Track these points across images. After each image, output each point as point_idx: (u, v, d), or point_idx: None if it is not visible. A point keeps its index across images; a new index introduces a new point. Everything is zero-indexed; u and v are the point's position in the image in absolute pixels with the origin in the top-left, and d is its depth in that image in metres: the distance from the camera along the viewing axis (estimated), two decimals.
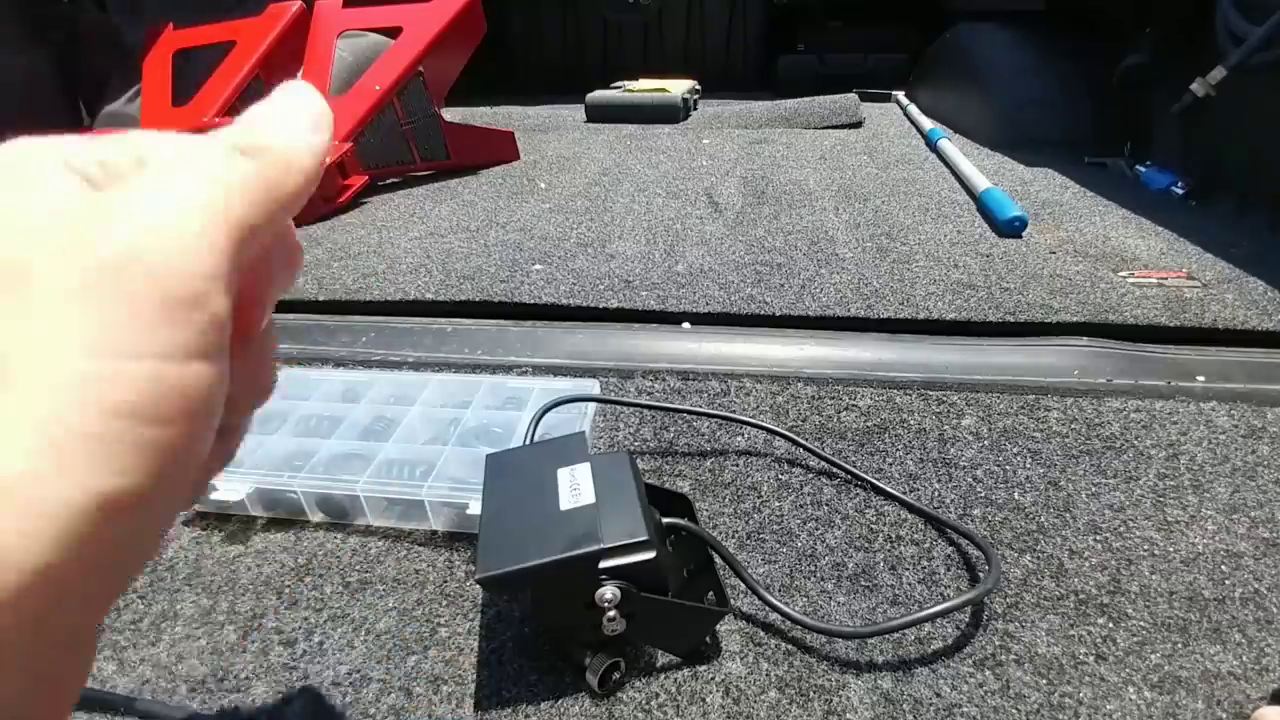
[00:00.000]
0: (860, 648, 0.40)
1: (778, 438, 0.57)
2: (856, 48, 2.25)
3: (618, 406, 0.63)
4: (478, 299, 0.82)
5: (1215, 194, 1.09)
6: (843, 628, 0.40)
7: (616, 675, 0.38)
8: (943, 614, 0.40)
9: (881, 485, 0.52)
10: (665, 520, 0.41)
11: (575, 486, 0.38)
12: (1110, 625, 0.41)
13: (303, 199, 0.18)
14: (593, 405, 0.59)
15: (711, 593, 0.41)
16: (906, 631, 0.41)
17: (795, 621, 0.40)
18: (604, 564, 0.35)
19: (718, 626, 0.41)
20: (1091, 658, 0.39)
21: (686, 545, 0.43)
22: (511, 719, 0.37)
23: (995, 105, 1.52)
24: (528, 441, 0.49)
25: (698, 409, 0.60)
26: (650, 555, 0.35)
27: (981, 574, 0.45)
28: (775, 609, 0.40)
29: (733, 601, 0.43)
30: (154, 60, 1.31)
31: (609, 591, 0.35)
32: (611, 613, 0.35)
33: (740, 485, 0.53)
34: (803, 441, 0.55)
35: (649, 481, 0.43)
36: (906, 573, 0.45)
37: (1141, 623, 0.41)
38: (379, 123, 1.23)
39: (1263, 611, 0.42)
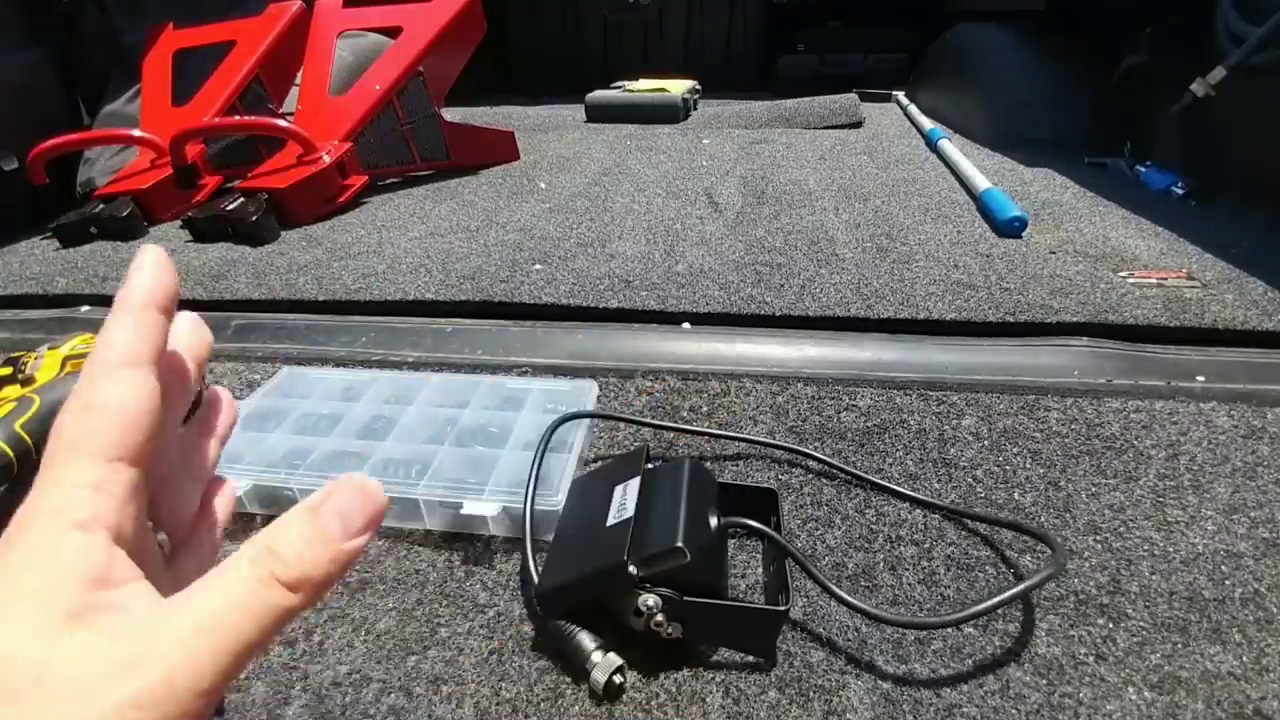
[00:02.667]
0: (899, 643, 0.40)
1: (813, 460, 0.55)
2: (856, 48, 2.25)
3: (616, 405, 0.63)
4: (478, 299, 0.82)
5: (1215, 194, 1.09)
6: (914, 618, 0.41)
7: (619, 679, 0.37)
8: (1014, 599, 0.40)
9: (935, 501, 0.50)
10: (727, 520, 0.41)
11: (623, 502, 0.40)
12: (1110, 625, 0.41)
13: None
14: (589, 408, 0.59)
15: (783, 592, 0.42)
16: (906, 631, 0.41)
17: (870, 616, 0.39)
18: (639, 572, 0.36)
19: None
20: (1091, 658, 0.39)
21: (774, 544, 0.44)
22: (511, 719, 0.37)
23: (995, 105, 1.52)
24: (538, 460, 0.49)
25: (745, 436, 0.58)
26: (682, 561, 0.36)
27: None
28: (845, 602, 0.39)
29: (794, 598, 0.42)
30: (154, 60, 1.31)
31: (650, 599, 0.36)
32: (659, 617, 0.37)
33: None
34: (848, 468, 0.54)
35: (730, 481, 0.45)
36: (906, 573, 0.45)
37: (1141, 623, 0.41)
38: (379, 123, 1.23)
39: (1263, 611, 0.42)
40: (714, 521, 0.40)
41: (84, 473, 0.18)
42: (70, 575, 0.18)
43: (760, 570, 0.46)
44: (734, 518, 0.42)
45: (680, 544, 0.36)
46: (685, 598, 0.37)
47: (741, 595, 0.44)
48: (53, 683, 0.17)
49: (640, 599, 0.36)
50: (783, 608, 0.39)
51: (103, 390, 0.19)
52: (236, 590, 0.18)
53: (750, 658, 0.40)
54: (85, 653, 0.17)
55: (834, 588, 0.39)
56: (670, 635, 0.38)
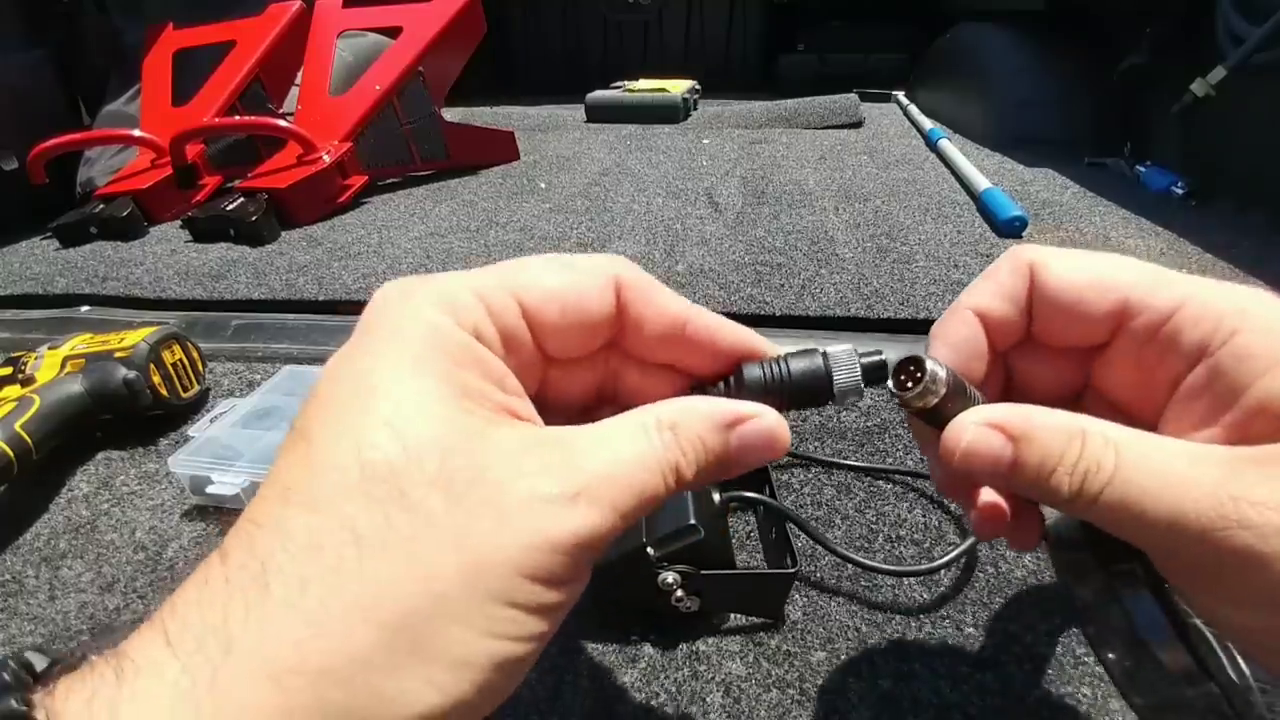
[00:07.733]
0: (899, 643, 0.41)
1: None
2: (857, 47, 2.25)
3: None
4: None
5: (1215, 194, 1.09)
6: (906, 566, 0.44)
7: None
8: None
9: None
10: (728, 494, 0.43)
11: None
12: None
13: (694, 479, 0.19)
14: None
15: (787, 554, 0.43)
16: (906, 631, 0.41)
17: (863, 566, 0.43)
18: (657, 553, 0.38)
19: (724, 624, 0.42)
20: (1091, 658, 0.39)
21: (772, 511, 0.46)
22: (511, 719, 0.37)
23: (995, 105, 1.52)
24: None
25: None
26: (697, 537, 0.37)
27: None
28: (845, 556, 0.42)
29: (801, 561, 0.44)
30: (154, 60, 1.31)
31: (670, 576, 0.38)
32: (679, 592, 0.38)
33: None
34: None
35: None
36: None
37: None
38: (379, 123, 1.23)
39: None
40: (717, 497, 0.42)
41: None
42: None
43: (757, 538, 0.49)
44: (734, 492, 0.44)
45: (693, 522, 0.38)
46: (702, 571, 0.38)
47: (743, 563, 0.47)
48: (493, 488, 0.15)
49: (660, 578, 0.38)
50: (791, 569, 0.40)
51: None
52: (644, 449, 0.17)
53: (750, 657, 0.40)
54: (523, 457, 0.16)
55: (835, 545, 0.42)
56: (689, 609, 0.39)
